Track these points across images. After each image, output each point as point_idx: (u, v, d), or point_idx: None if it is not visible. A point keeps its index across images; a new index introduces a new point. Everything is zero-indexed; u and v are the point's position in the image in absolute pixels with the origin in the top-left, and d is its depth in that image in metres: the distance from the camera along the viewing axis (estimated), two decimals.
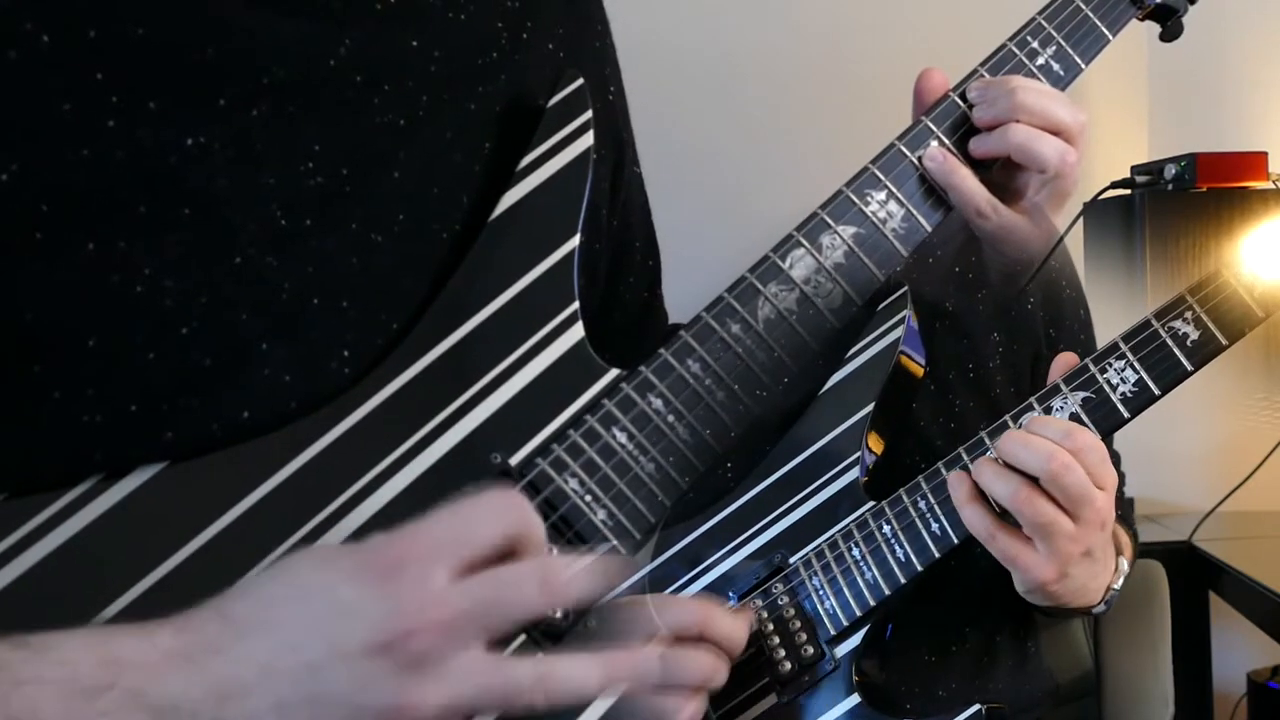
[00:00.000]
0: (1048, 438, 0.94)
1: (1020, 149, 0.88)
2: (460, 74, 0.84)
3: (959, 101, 0.91)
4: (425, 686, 0.61)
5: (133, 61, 0.71)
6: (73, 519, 0.70)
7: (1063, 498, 0.94)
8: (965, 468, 1.01)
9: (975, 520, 0.97)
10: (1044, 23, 0.94)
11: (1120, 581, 1.06)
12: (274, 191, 0.75)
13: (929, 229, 0.90)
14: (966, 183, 0.89)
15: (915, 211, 0.89)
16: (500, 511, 0.66)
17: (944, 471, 1.02)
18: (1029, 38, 0.94)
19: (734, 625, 0.87)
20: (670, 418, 0.83)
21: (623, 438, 0.82)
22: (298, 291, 0.75)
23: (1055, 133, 0.89)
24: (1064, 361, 1.02)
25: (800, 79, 2.06)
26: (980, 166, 0.90)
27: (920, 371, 1.09)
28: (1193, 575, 1.74)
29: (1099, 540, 0.99)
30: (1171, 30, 1.00)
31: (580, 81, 0.85)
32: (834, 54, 2.08)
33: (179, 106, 0.72)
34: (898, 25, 2.06)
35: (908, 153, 0.90)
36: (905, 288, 1.07)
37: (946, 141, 0.90)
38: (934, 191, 0.90)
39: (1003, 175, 0.92)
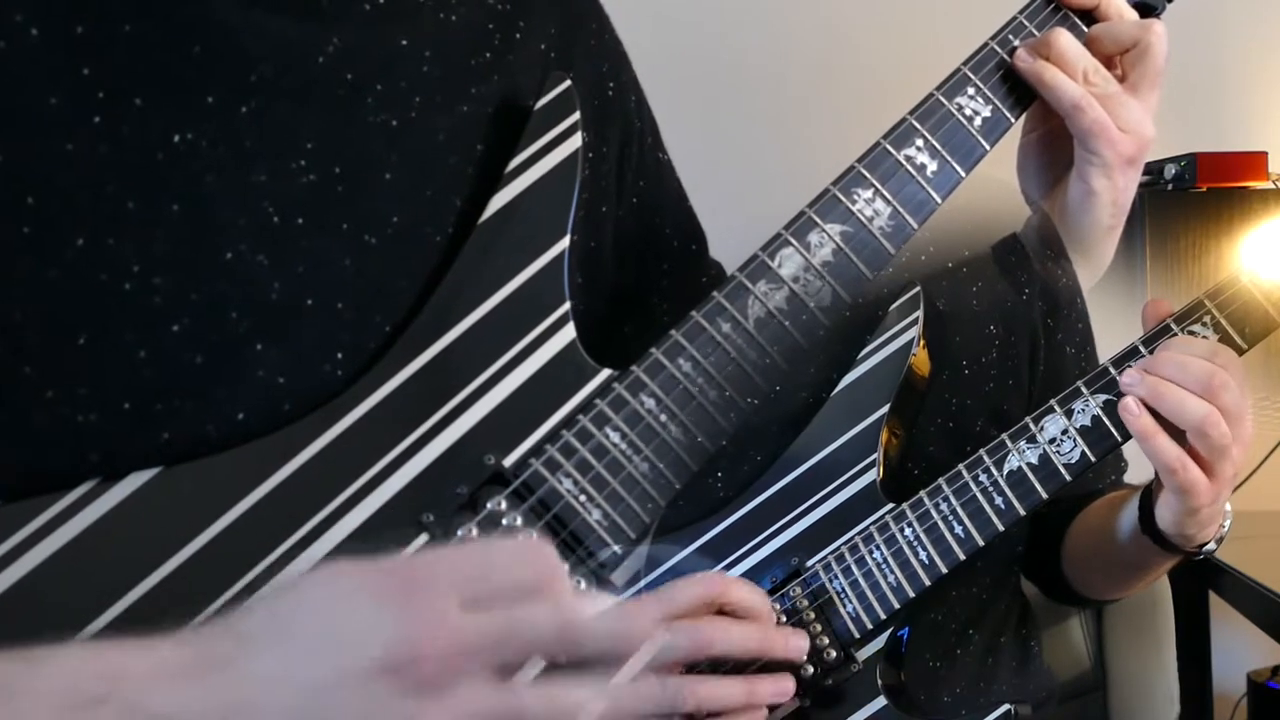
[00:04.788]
0: (1196, 355, 0.95)
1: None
2: (452, 74, 0.84)
3: (997, 49, 0.94)
4: (431, 711, 0.60)
5: (120, 57, 0.72)
6: (69, 523, 0.70)
7: (1225, 416, 0.94)
8: (987, 470, 1.01)
9: (1167, 449, 0.95)
10: (1025, 21, 0.95)
11: (1228, 523, 1.06)
12: (265, 189, 0.75)
13: (1013, 120, 0.94)
14: (1058, 78, 0.92)
15: (1001, 106, 0.93)
16: (525, 556, 0.65)
17: (965, 474, 1.02)
18: (1011, 36, 0.95)
19: (748, 592, 0.87)
20: (662, 417, 0.83)
21: (615, 437, 0.82)
22: (289, 291, 0.76)
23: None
24: (1156, 309, 1.02)
25: (799, 77, 2.06)
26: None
27: (929, 370, 1.09)
28: (1193, 575, 1.73)
29: (1241, 465, 0.99)
30: None
31: (567, 84, 0.85)
32: (833, 52, 2.08)
33: (165, 102, 0.73)
34: (894, 24, 2.06)
35: (999, 49, 0.94)
36: (917, 288, 1.07)
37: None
38: (1015, 89, 0.94)
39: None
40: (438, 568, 0.63)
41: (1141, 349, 1.01)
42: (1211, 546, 1.07)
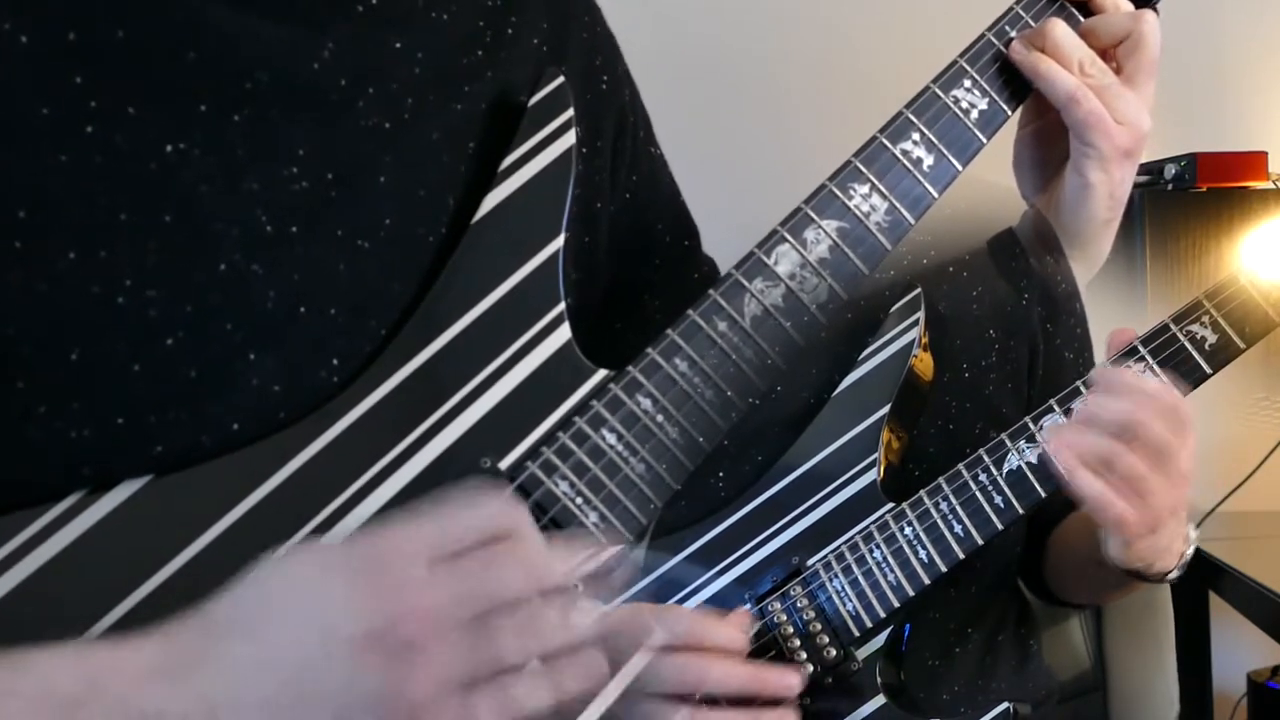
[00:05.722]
0: (1120, 391, 0.95)
1: None
2: (445, 74, 0.83)
3: (994, 40, 0.94)
4: (415, 673, 0.60)
5: (112, 65, 0.71)
6: (58, 535, 0.69)
7: (1147, 451, 0.93)
8: (986, 469, 1.02)
9: (1088, 485, 0.94)
10: (1021, 12, 0.94)
11: (1191, 549, 1.06)
12: (258, 197, 0.74)
13: (1010, 113, 0.94)
14: (1053, 69, 0.92)
15: (998, 98, 0.92)
16: (482, 507, 0.65)
17: (964, 474, 1.02)
18: (1007, 27, 0.95)
19: (727, 634, 0.87)
20: (659, 417, 0.82)
21: (611, 438, 0.81)
22: (284, 300, 0.75)
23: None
24: (1120, 338, 1.03)
25: (797, 75, 2.06)
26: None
27: (932, 373, 1.09)
28: (1193, 575, 1.72)
29: (1182, 499, 0.99)
30: None
31: (561, 80, 0.84)
32: (831, 50, 2.07)
33: (158, 112, 0.72)
34: (892, 22, 2.06)
35: (995, 41, 0.93)
36: (918, 289, 1.07)
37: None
38: (1012, 81, 0.93)
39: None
40: (400, 535, 0.64)
41: (1140, 349, 1.02)
42: (1175, 575, 1.07)
